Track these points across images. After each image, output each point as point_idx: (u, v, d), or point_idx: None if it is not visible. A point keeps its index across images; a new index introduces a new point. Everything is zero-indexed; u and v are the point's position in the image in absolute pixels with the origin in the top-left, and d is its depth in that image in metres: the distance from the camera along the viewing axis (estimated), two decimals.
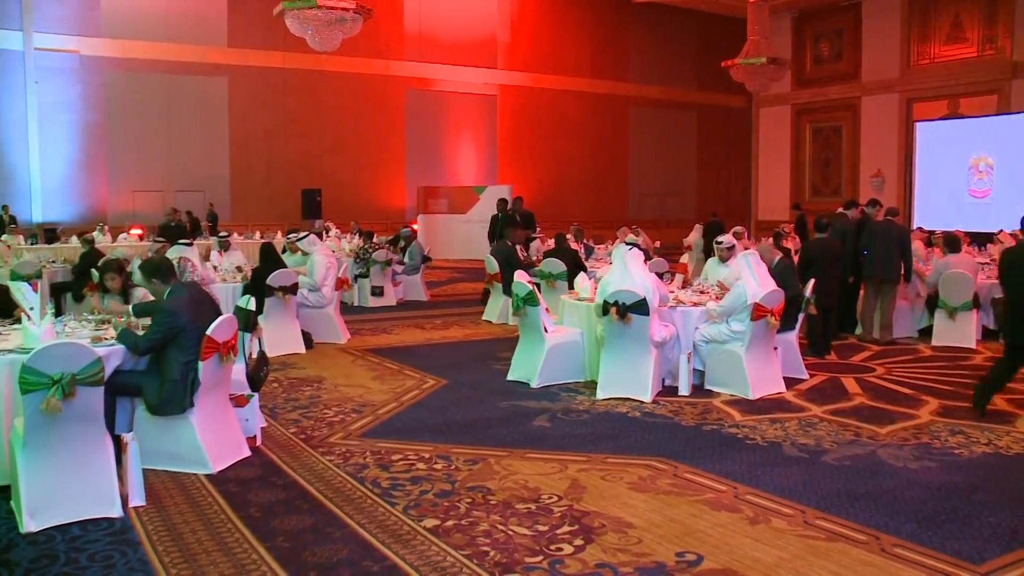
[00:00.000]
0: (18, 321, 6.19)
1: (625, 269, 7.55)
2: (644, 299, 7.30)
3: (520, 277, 8.27)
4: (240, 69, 25.65)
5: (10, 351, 5.36)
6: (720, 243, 9.39)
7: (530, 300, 8.01)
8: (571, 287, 10.02)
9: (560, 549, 4.35)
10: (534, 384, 8.01)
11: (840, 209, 12.02)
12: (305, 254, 10.81)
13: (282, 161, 26.25)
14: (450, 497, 5.10)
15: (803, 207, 20.02)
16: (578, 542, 4.43)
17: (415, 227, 21.07)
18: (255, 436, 6.18)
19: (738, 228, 14.38)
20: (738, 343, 7.67)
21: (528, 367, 8.21)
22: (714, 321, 7.92)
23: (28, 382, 4.53)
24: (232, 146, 25.79)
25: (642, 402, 7.40)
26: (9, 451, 5.00)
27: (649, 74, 32.94)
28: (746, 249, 8.72)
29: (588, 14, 31.49)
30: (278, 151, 26.23)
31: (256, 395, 6.25)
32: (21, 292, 5.69)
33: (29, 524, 4.61)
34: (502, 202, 14.62)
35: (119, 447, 4.99)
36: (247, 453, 5.90)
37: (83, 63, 24.03)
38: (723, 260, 9.28)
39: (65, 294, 11.53)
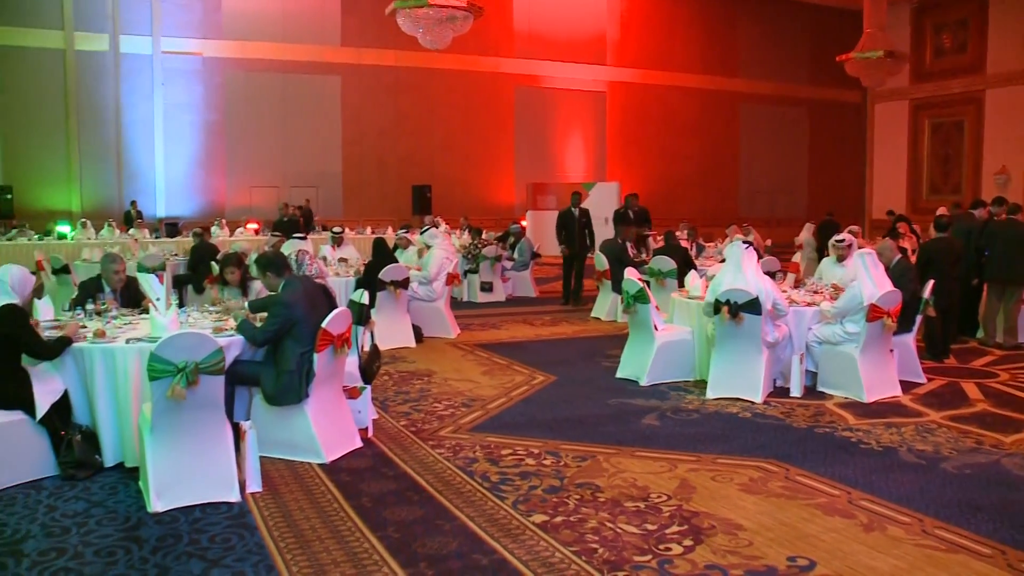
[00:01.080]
0: (146, 311, 6.46)
1: (739, 268, 7.43)
2: (756, 298, 7.18)
3: (631, 274, 8.22)
4: (353, 68, 26.15)
5: (139, 340, 5.61)
6: (840, 241, 9.18)
7: (640, 298, 7.96)
8: (681, 285, 9.91)
9: (669, 549, 4.31)
10: (643, 382, 7.96)
11: (950, 208, 11.57)
12: (427, 246, 11.00)
13: (393, 158, 26.67)
14: (559, 493, 5.10)
15: (896, 212, 19.20)
16: (687, 542, 4.39)
17: (524, 223, 21.15)
18: (367, 427, 6.29)
19: (854, 227, 13.98)
20: (853, 345, 7.47)
21: (637, 365, 8.17)
22: (828, 322, 7.73)
23: (155, 370, 4.72)
24: (345, 143, 26.33)
25: (753, 403, 7.27)
26: (138, 435, 5.21)
27: (760, 69, 32.33)
28: (861, 248, 8.49)
29: (698, 9, 31.11)
30: (389, 148, 26.66)
31: (368, 387, 6.36)
32: (149, 284, 5.94)
33: (156, 504, 4.81)
34: (576, 195, 14.29)
35: (238, 434, 5.15)
36: (359, 444, 6.02)
37: (205, 64, 24.88)
38: (840, 259, 9.06)
39: (186, 286, 11.94)
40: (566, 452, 5.91)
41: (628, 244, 12.66)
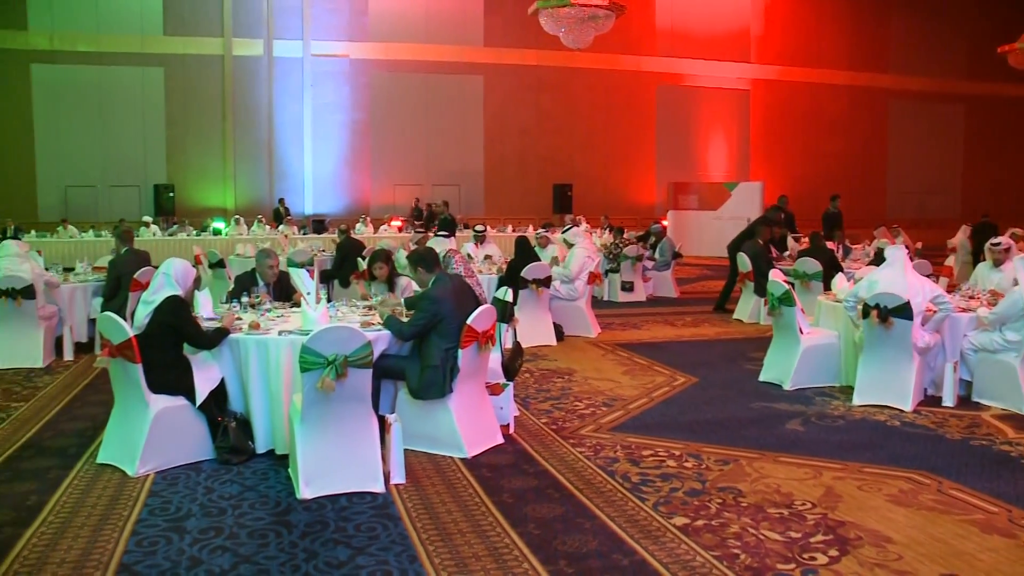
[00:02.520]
0: (297, 305, 6.70)
1: (899, 271, 7.18)
2: (907, 303, 6.92)
3: (776, 276, 8.06)
4: (495, 67, 26.44)
5: (291, 332, 5.83)
6: (997, 244, 8.76)
7: (786, 300, 7.79)
8: (826, 288, 9.65)
9: (814, 558, 4.20)
10: (787, 386, 7.78)
11: None
12: (569, 245, 11.05)
13: (534, 157, 26.84)
14: (700, 496, 5.05)
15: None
16: (833, 552, 4.27)
17: (665, 223, 20.97)
18: (508, 424, 6.36)
19: (1016, 230, 13.32)
20: (1012, 353, 7.10)
21: (781, 368, 7.99)
22: (985, 329, 7.37)
23: (306, 362, 4.89)
24: (487, 142, 26.65)
25: (902, 411, 7.01)
26: (288, 424, 5.42)
27: (912, 64, 31.08)
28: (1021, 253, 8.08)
29: (846, 2, 30.12)
30: (531, 147, 26.84)
31: (511, 384, 6.42)
32: (300, 278, 6.15)
33: (304, 491, 4.99)
34: (779, 203, 14.03)
35: (383, 427, 5.28)
36: (500, 440, 6.08)
37: (352, 66, 25.63)
38: (997, 264, 8.64)
39: (332, 281, 12.31)
40: (708, 455, 5.84)
41: (770, 245, 12.41)
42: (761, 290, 11.09)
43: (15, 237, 9.52)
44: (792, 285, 8.46)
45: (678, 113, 28.51)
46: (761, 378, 8.20)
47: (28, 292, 8.72)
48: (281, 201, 24.16)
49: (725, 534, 4.49)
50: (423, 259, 6.02)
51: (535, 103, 27.16)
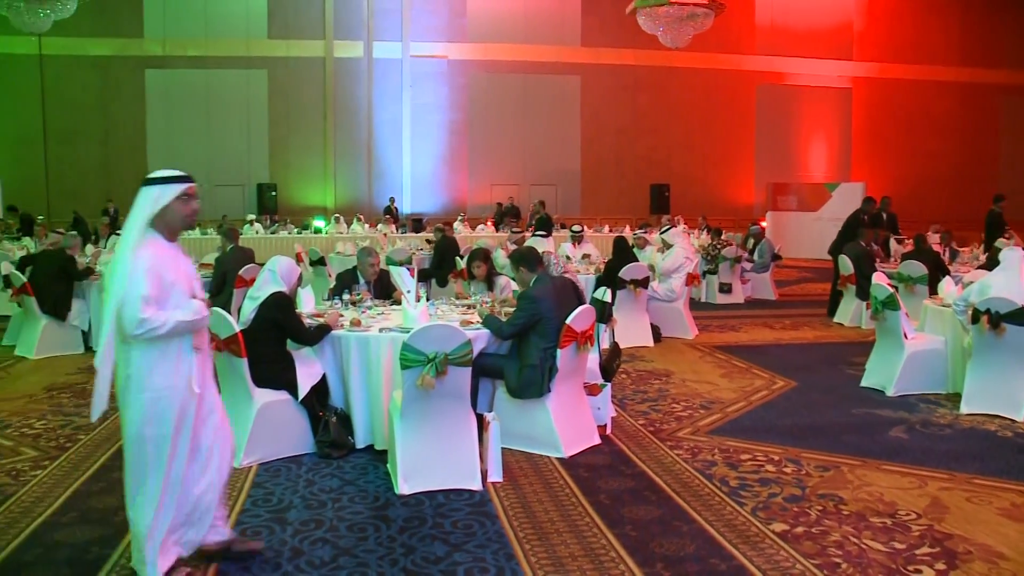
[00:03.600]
0: (397, 303, 6.80)
1: (1010, 275, 6.93)
2: (1022, 308, 6.67)
3: (880, 279, 7.86)
4: (592, 67, 26.37)
5: (391, 330, 5.91)
6: None
7: (890, 304, 7.59)
8: (932, 291, 9.38)
9: (919, 571, 4.08)
10: (890, 392, 7.58)
11: None
12: (667, 245, 10.98)
13: (631, 156, 26.70)
14: (800, 503, 4.96)
15: None
16: (940, 566, 4.13)
17: (763, 224, 20.63)
18: (605, 425, 6.34)
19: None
20: None
21: (884, 374, 7.79)
22: None
23: (407, 359, 4.96)
24: (584, 142, 26.61)
25: (1014, 421, 6.75)
26: (388, 420, 5.50)
27: None
28: None
29: None
30: (628, 147, 26.71)
31: (608, 385, 6.41)
32: (400, 277, 6.24)
33: (403, 487, 5.07)
34: (868, 201, 13.65)
35: (481, 425, 5.32)
36: (597, 441, 6.07)
37: (450, 67, 25.87)
38: None
39: (430, 279, 12.44)
40: (808, 461, 5.73)
41: (874, 247, 12.10)
42: (863, 293, 10.83)
43: None
44: (896, 289, 8.23)
45: (778, 112, 27.98)
46: (863, 383, 8.00)
47: None
48: (392, 200, 24.64)
49: (826, 542, 4.40)
50: (525, 258, 6.04)
51: (632, 103, 27.00)
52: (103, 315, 3.61)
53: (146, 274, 3.55)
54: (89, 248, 11.72)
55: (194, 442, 3.86)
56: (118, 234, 10.11)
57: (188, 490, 3.88)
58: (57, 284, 9.53)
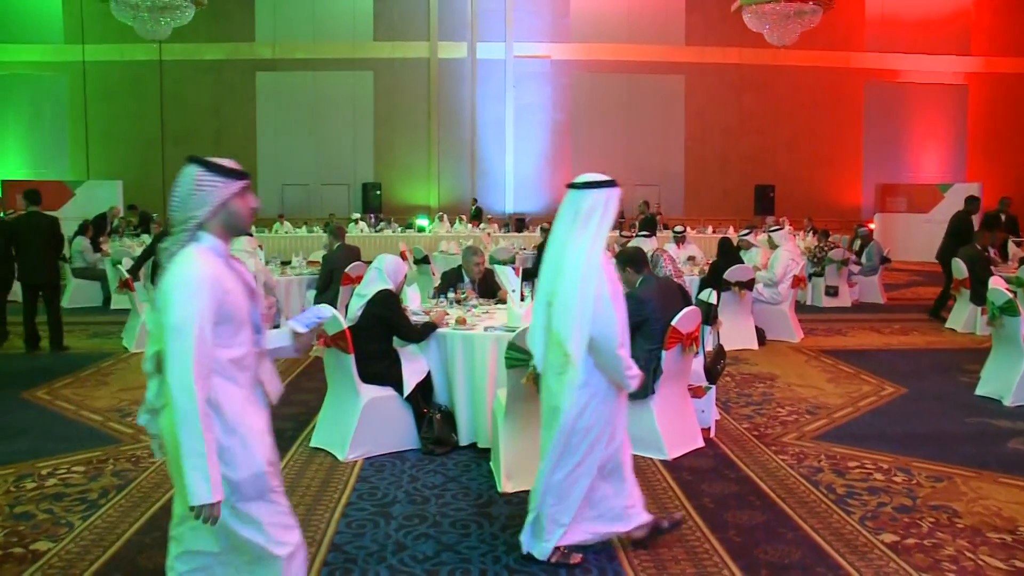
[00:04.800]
0: (502, 302, 6.85)
1: None
2: None
3: (997, 284, 7.58)
4: (697, 66, 26.10)
5: (496, 328, 5.96)
6: None
7: (1009, 310, 7.30)
8: None
9: None
10: (1008, 402, 7.29)
11: None
12: (773, 247, 10.81)
13: (736, 156, 26.34)
14: (911, 513, 4.82)
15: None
16: None
17: (871, 226, 20.10)
18: (709, 428, 6.28)
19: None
20: None
21: (1002, 382, 7.49)
22: None
23: (512, 358, 4.98)
24: (687, 142, 26.37)
25: None
26: (492, 419, 5.55)
27: None
28: None
29: None
30: (732, 147, 26.36)
31: (713, 388, 6.34)
32: (506, 276, 6.28)
33: (506, 485, 5.11)
34: (971, 201, 13.16)
35: None
36: (701, 444, 6.02)
37: (553, 67, 25.93)
38: None
39: (533, 279, 12.46)
40: (918, 470, 5.56)
41: (991, 251, 11.67)
42: (979, 298, 10.47)
43: (248, 233, 10.11)
44: (1015, 294, 7.93)
45: (888, 111, 27.16)
46: (978, 392, 7.72)
47: None
48: (474, 201, 24.85)
49: (939, 556, 4.26)
50: (632, 259, 6.00)
51: (737, 102, 26.62)
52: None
53: None
54: None
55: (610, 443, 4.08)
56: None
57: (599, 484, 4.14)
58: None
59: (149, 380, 3.04)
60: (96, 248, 14.02)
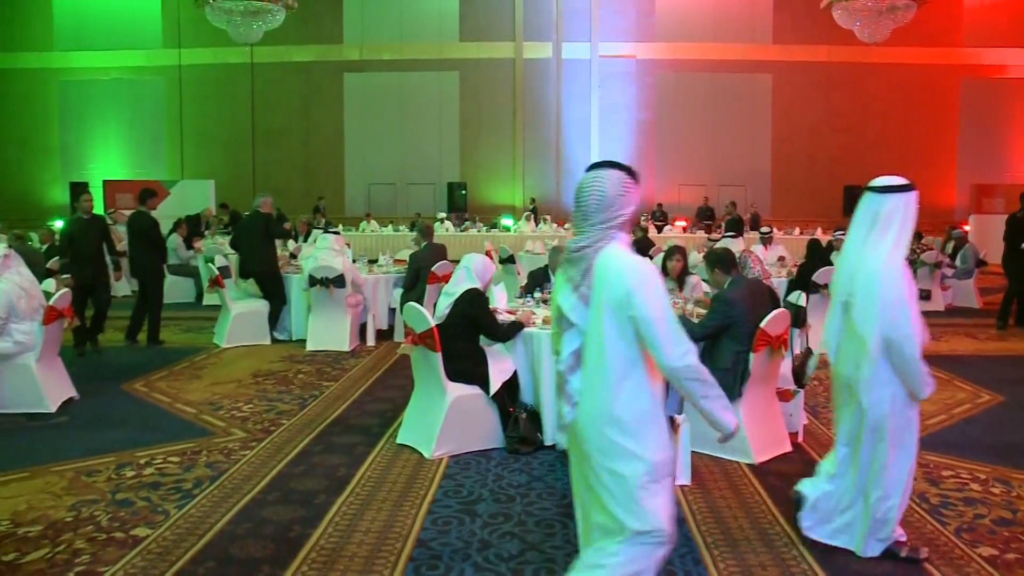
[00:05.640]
0: None
1: None
2: None
3: None
4: (784, 65, 25.70)
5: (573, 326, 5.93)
6: None
7: None
8: None
9: None
10: None
11: None
12: None
13: (824, 156, 25.85)
14: (1010, 527, 4.66)
15: None
16: None
17: (966, 228, 19.52)
18: (797, 432, 6.19)
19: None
20: None
21: None
22: None
23: None
24: (774, 141, 25.98)
25: None
26: None
27: None
28: None
29: None
30: (820, 146, 25.88)
31: (801, 391, 6.24)
32: None
33: None
34: None
35: (671, 427, 5.26)
36: (789, 448, 5.93)
37: (638, 66, 25.81)
38: None
39: None
40: (1018, 482, 5.38)
41: None
42: None
43: (334, 232, 10.35)
44: None
45: (985, 108, 26.28)
46: None
47: (339, 282, 9.46)
48: (532, 200, 24.93)
49: None
50: (722, 260, 5.95)
51: (825, 101, 26.12)
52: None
53: None
54: (291, 243, 12.39)
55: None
56: (319, 229, 10.66)
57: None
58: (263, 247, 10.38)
59: (569, 375, 3.04)
60: (188, 246, 14.46)
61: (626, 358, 2.90)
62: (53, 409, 6.95)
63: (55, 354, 7.30)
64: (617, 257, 2.89)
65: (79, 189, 23.99)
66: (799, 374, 6.34)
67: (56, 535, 4.47)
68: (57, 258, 10.42)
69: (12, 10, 27.03)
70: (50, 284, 8.41)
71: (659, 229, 20.81)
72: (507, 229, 21.77)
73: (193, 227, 15.53)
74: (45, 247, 12.46)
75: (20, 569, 4.09)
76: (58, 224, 18.86)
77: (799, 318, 6.42)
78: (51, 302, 7.07)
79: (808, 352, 6.60)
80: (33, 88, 27.32)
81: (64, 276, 9.41)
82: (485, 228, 21.77)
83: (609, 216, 2.94)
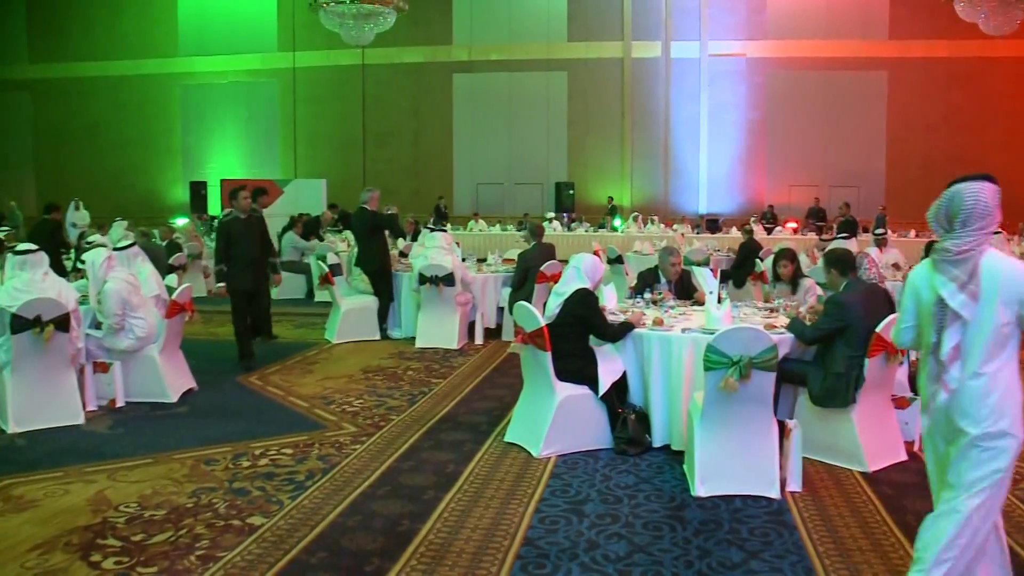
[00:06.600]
0: (698, 303, 6.79)
1: None
2: None
3: None
4: (900, 61, 24.93)
5: (693, 330, 5.91)
6: None
7: None
8: None
9: None
10: None
11: None
12: None
13: (942, 156, 24.94)
14: None
15: None
16: None
17: None
18: (913, 441, 5.99)
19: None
20: None
21: None
22: None
23: (711, 361, 4.94)
24: (889, 141, 25.25)
25: None
26: (687, 421, 5.52)
27: None
28: None
29: None
30: (938, 146, 24.99)
31: (918, 399, 6.05)
32: (703, 277, 6.24)
33: (699, 489, 5.06)
34: None
35: (782, 432, 5.19)
36: (904, 457, 5.76)
37: (748, 65, 25.40)
38: None
39: (727, 280, 12.28)
40: None
41: None
42: None
43: (442, 230, 10.50)
44: None
45: None
46: None
47: (449, 280, 9.58)
48: (610, 199, 24.76)
49: None
50: (840, 261, 5.83)
51: (944, 98, 25.22)
52: None
53: None
54: (400, 241, 12.58)
55: None
56: (431, 228, 10.82)
57: None
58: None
59: (950, 366, 3.41)
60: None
61: (1013, 347, 3.30)
62: (174, 399, 7.26)
63: (176, 347, 7.61)
64: (1007, 260, 3.38)
65: (199, 188, 24.95)
66: (916, 381, 6.19)
67: (178, 519, 4.67)
68: (212, 262, 10.44)
69: (142, 20, 28.31)
70: (172, 279, 8.74)
71: (768, 231, 20.43)
72: (615, 229, 21.71)
73: (312, 228, 15.91)
74: (165, 243, 12.95)
75: (147, 549, 4.30)
76: (180, 222, 19.66)
77: None
78: (173, 296, 7.37)
79: None
80: (157, 92, 28.54)
81: (219, 285, 9.17)
82: (593, 228, 21.75)
83: (988, 223, 3.36)
